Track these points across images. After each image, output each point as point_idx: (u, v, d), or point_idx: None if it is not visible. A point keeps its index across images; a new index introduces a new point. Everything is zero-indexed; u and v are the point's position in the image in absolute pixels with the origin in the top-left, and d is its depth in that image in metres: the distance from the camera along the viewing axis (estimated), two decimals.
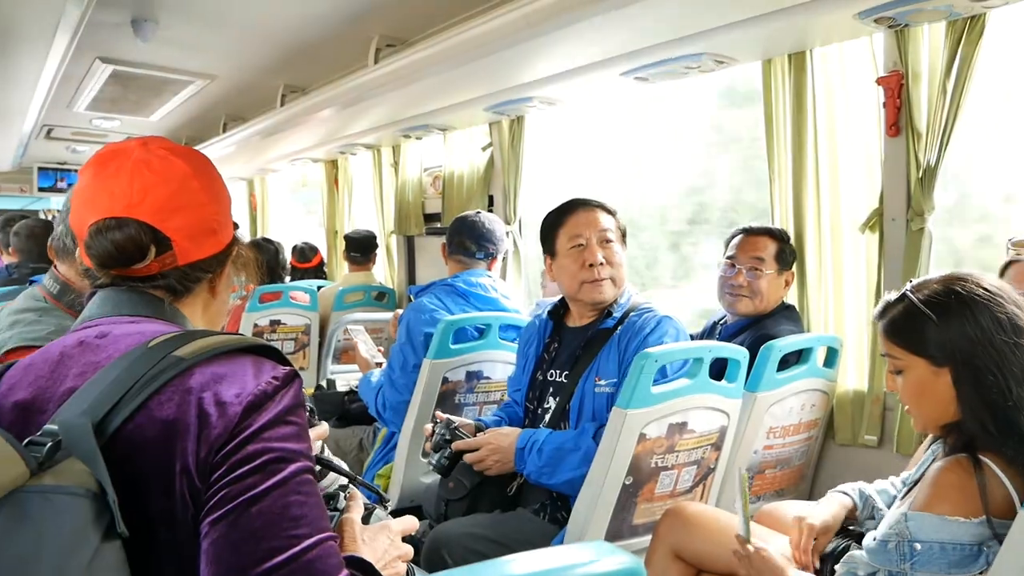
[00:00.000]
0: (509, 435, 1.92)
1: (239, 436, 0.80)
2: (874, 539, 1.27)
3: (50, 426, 0.76)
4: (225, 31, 3.27)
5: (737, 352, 1.89)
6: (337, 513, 1.05)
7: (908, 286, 1.34)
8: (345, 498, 1.08)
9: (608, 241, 1.99)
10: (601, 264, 1.95)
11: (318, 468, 1.03)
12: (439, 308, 2.48)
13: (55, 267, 1.67)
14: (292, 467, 0.82)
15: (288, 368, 0.88)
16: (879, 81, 2.08)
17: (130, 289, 0.95)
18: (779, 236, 2.29)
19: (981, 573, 1.17)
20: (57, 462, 0.73)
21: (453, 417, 2.04)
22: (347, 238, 4.35)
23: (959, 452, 1.24)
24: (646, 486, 1.81)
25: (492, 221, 2.68)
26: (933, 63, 1.97)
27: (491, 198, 3.71)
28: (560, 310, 2.12)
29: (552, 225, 2.06)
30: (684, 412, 1.80)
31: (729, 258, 2.31)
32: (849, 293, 2.26)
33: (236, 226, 1.05)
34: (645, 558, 1.72)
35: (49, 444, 0.73)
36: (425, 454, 2.03)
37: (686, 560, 1.65)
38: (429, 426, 2.04)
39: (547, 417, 2.00)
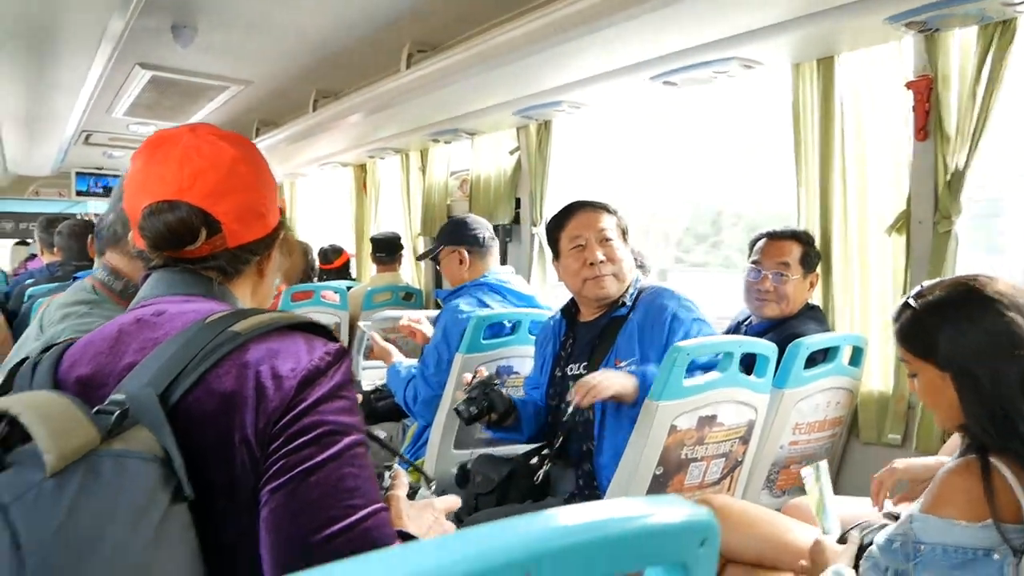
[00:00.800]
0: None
1: (295, 409, 0.82)
2: (884, 537, 1.27)
3: (117, 396, 0.79)
4: (262, 37, 3.33)
5: (766, 348, 1.90)
6: (382, 492, 1.06)
7: (912, 292, 1.34)
8: (390, 477, 1.10)
9: (607, 240, 2.03)
10: (602, 262, 2.00)
11: None
12: (476, 308, 2.51)
13: (104, 257, 1.70)
14: (346, 440, 0.84)
15: (338, 345, 0.89)
16: (908, 85, 2.08)
17: (183, 270, 0.97)
18: (804, 239, 2.28)
19: None
20: (124, 429, 0.75)
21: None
22: (373, 240, 4.40)
23: (971, 453, 1.23)
24: (675, 477, 1.82)
25: (476, 217, 2.81)
26: (963, 67, 1.97)
27: (518, 201, 3.75)
28: (572, 308, 2.15)
29: (554, 228, 2.12)
30: (714, 405, 1.81)
31: (754, 263, 2.29)
32: (875, 294, 2.26)
33: (282, 212, 1.06)
34: None
35: (117, 412, 0.75)
36: (457, 404, 2.05)
37: (719, 553, 1.66)
38: (469, 375, 2.05)
39: (569, 409, 2.01)
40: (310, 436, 0.82)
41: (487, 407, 1.98)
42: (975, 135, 1.95)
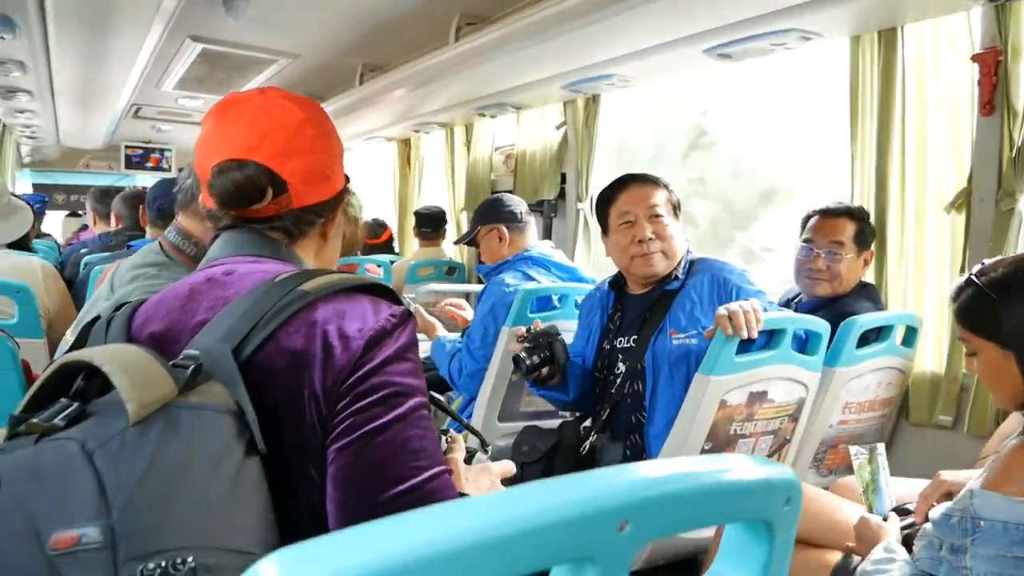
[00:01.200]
0: None
1: (362, 368, 0.83)
2: (940, 512, 1.26)
3: (191, 351, 0.81)
4: (311, 9, 3.33)
5: (820, 325, 1.87)
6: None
7: (975, 269, 1.31)
8: (447, 440, 1.11)
9: (657, 216, 1.99)
10: (651, 239, 1.96)
11: None
12: (522, 281, 2.51)
13: (177, 219, 1.73)
14: (411, 401, 0.85)
15: (403, 307, 0.90)
16: (974, 58, 2.02)
17: (250, 231, 0.98)
18: (858, 216, 2.22)
19: None
20: (199, 383, 0.77)
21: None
22: (417, 214, 4.42)
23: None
24: (725, 452, 1.81)
25: (508, 194, 2.80)
26: None
27: (563, 176, 3.72)
28: (620, 280, 2.14)
29: (604, 203, 2.09)
30: (765, 381, 1.80)
31: (806, 241, 2.24)
32: (931, 273, 2.21)
33: (347, 178, 1.07)
34: (714, 527, 1.73)
35: (192, 367, 0.77)
36: (516, 352, 2.00)
37: None
38: (523, 328, 2.04)
39: (618, 381, 2.01)
40: (377, 396, 0.83)
41: (548, 356, 1.96)
42: None
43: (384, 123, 4.85)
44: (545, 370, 1.97)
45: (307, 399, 0.82)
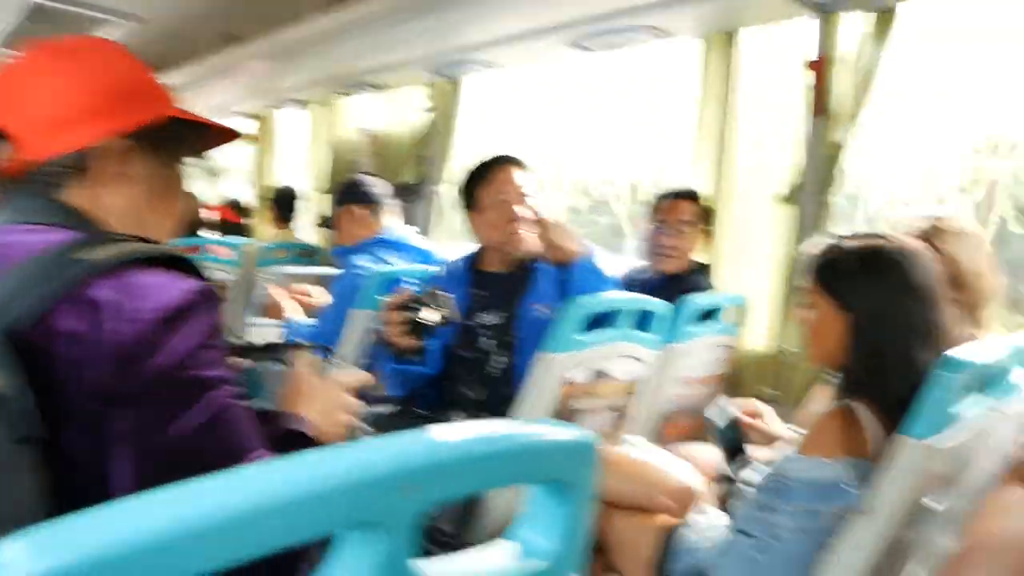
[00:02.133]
0: None
1: (153, 357, 0.74)
2: (757, 475, 1.37)
3: None
4: None
5: (659, 305, 1.95)
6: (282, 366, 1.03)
7: (842, 234, 1.40)
8: (288, 359, 1.07)
9: (528, 196, 2.06)
10: (524, 218, 2.03)
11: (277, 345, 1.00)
12: (375, 264, 2.48)
13: None
14: (217, 398, 0.78)
15: (205, 284, 0.81)
16: (809, 65, 2.17)
17: (27, 194, 0.86)
18: (698, 198, 2.42)
19: (848, 507, 1.23)
20: None
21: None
22: (275, 196, 4.25)
23: (841, 399, 1.32)
24: None
25: (367, 176, 2.77)
26: (862, 50, 2.06)
27: (425, 159, 3.68)
28: (475, 260, 2.15)
29: (477, 180, 2.10)
30: (606, 359, 1.85)
31: (660, 221, 2.40)
32: (760, 259, 2.37)
33: (143, 126, 0.90)
34: None
35: None
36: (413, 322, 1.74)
37: (600, 499, 1.71)
38: (407, 291, 1.79)
39: (490, 358, 2.04)
40: (173, 393, 0.75)
41: (445, 318, 1.80)
42: (855, 113, 2.06)
43: (239, 97, 4.62)
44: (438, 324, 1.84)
45: (86, 390, 0.73)
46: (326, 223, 2.77)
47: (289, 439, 0.93)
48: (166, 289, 0.77)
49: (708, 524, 1.49)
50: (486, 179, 2.08)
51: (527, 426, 0.54)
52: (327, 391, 1.02)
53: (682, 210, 2.38)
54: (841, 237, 1.39)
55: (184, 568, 0.38)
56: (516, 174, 2.07)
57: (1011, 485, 1.36)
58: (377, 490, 0.44)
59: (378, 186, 2.70)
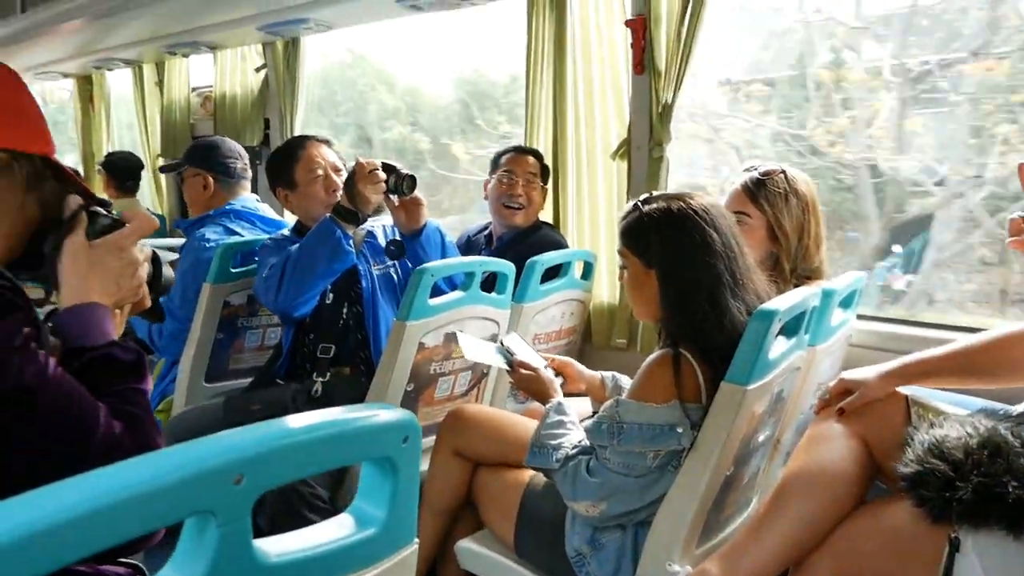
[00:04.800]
0: None
1: None
2: (593, 420, 1.50)
3: None
4: None
5: (505, 266, 2.07)
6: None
7: (642, 197, 1.54)
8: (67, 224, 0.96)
9: (339, 170, 2.25)
10: (336, 190, 2.20)
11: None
12: (224, 236, 2.42)
13: None
14: (36, 398, 0.78)
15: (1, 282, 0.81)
16: (627, 23, 2.31)
17: None
18: (539, 155, 2.54)
19: (676, 447, 1.40)
20: None
21: None
22: (110, 163, 4.01)
23: (666, 347, 1.47)
24: (426, 391, 1.96)
25: (234, 143, 2.68)
26: (671, 10, 2.21)
27: (267, 121, 3.60)
28: (303, 230, 2.24)
29: (287, 159, 2.25)
30: (459, 322, 1.96)
31: (507, 171, 2.48)
32: (603, 213, 2.52)
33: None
34: (430, 457, 1.88)
35: None
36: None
37: (466, 456, 1.81)
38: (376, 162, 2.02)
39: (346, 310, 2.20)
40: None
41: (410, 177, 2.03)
42: (680, 72, 2.22)
43: (58, 57, 4.29)
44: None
45: None
46: (171, 170, 2.68)
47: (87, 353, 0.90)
48: None
49: (557, 425, 1.59)
50: (296, 157, 2.23)
51: (351, 411, 0.63)
52: (110, 257, 0.95)
53: (527, 163, 2.49)
54: (644, 199, 1.53)
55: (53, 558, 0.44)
56: (323, 150, 2.26)
57: (826, 418, 1.56)
58: (210, 481, 0.52)
59: (237, 157, 2.61)
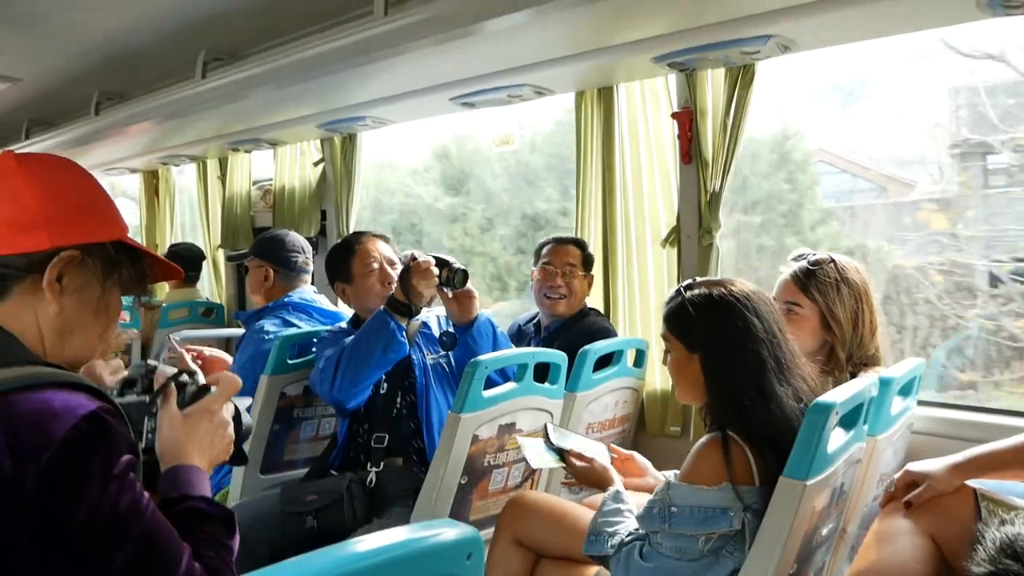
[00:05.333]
0: None
1: (50, 503, 0.77)
2: (644, 507, 1.50)
3: None
4: (35, 34, 3.09)
5: (557, 356, 2.09)
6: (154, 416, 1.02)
7: (685, 283, 1.58)
8: (158, 397, 1.03)
9: (393, 263, 2.34)
10: (392, 283, 2.27)
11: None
12: (282, 328, 2.51)
13: None
14: (126, 544, 0.80)
15: (103, 404, 0.84)
16: (673, 115, 2.38)
17: None
18: (582, 244, 2.59)
19: (728, 530, 1.39)
20: None
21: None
22: (174, 254, 4.19)
23: (714, 430, 1.48)
24: (480, 484, 1.96)
25: (298, 237, 2.80)
26: (716, 102, 2.28)
27: (324, 213, 3.74)
28: (360, 322, 2.29)
29: (344, 253, 2.35)
30: (512, 413, 1.97)
31: (545, 264, 2.55)
32: (653, 300, 2.54)
33: (106, 245, 0.98)
34: (488, 548, 1.86)
35: None
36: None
37: (527, 546, 1.81)
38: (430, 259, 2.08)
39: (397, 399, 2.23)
40: (77, 547, 0.78)
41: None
42: (727, 162, 2.27)
43: (127, 154, 4.55)
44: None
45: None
46: (238, 259, 2.80)
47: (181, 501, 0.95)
48: (58, 418, 0.80)
49: (614, 513, 1.59)
50: (353, 252, 2.34)
51: (416, 531, 0.65)
52: (202, 423, 1.01)
53: (567, 253, 2.55)
54: (686, 285, 1.56)
55: None
56: (379, 244, 2.36)
57: (892, 512, 1.53)
58: None
59: (300, 251, 2.73)
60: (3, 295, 0.92)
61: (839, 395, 1.41)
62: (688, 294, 1.54)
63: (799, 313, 1.81)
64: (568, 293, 2.52)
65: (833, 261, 1.84)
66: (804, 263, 1.85)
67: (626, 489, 1.71)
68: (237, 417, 1.09)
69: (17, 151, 0.99)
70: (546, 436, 1.79)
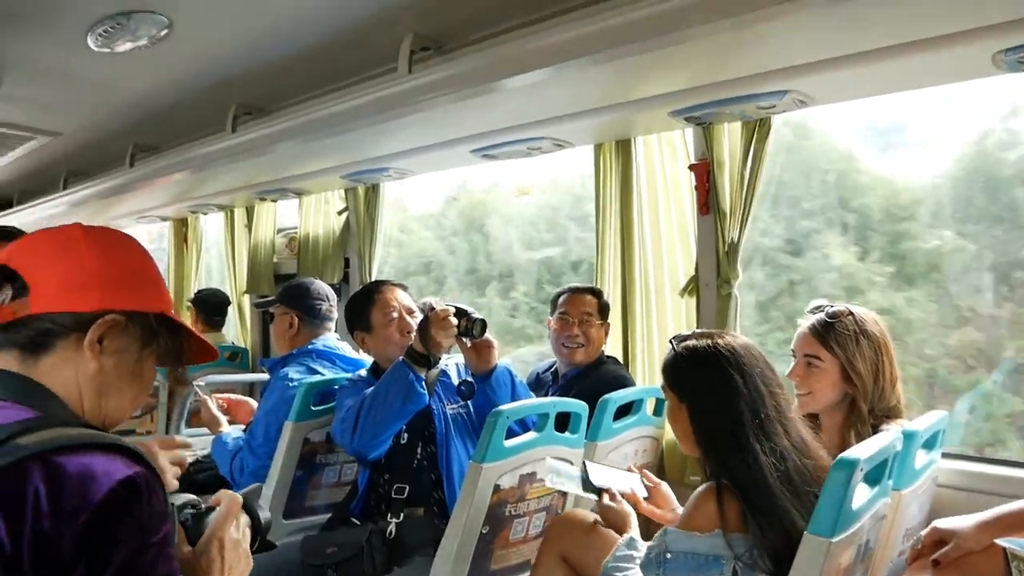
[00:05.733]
0: None
1: (84, 561, 0.78)
2: (644, 553, 1.53)
3: None
4: (74, 89, 3.19)
5: (578, 406, 2.08)
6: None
7: (679, 335, 1.61)
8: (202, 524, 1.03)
9: (412, 312, 2.34)
10: (411, 331, 2.27)
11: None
12: (306, 375, 2.52)
13: None
14: None
15: (140, 470, 0.84)
16: (691, 167, 2.40)
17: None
18: (598, 292, 2.59)
19: None
20: None
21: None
22: (199, 300, 4.25)
23: (710, 478, 1.50)
24: (501, 533, 1.94)
25: (323, 285, 2.83)
26: (733, 154, 2.30)
27: (347, 260, 3.79)
28: (379, 370, 2.31)
29: (364, 302, 2.36)
30: (533, 463, 1.96)
31: (562, 314, 2.55)
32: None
33: (161, 316, 1.02)
34: (533, 564, 1.89)
35: None
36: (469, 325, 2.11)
37: (571, 564, 1.81)
38: (448, 309, 2.10)
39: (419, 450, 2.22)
40: None
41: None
42: (744, 212, 2.28)
43: (159, 203, 4.65)
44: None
45: None
46: (264, 306, 2.84)
47: None
48: (97, 480, 0.80)
49: (626, 560, 1.62)
50: (372, 301, 2.34)
51: None
52: (215, 555, 1.02)
53: (584, 302, 2.54)
54: (680, 337, 1.60)
55: None
56: (399, 293, 2.37)
57: (920, 570, 1.50)
58: None
59: (324, 299, 2.75)
60: (46, 350, 0.94)
61: (863, 450, 1.39)
62: (679, 346, 1.59)
63: (819, 366, 1.80)
64: (586, 342, 2.51)
65: (851, 313, 1.83)
66: (822, 315, 1.84)
67: (653, 518, 1.82)
68: (254, 516, 1.09)
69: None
70: (584, 475, 1.84)
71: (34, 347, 0.94)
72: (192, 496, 1.07)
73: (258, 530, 1.09)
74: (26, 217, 5.12)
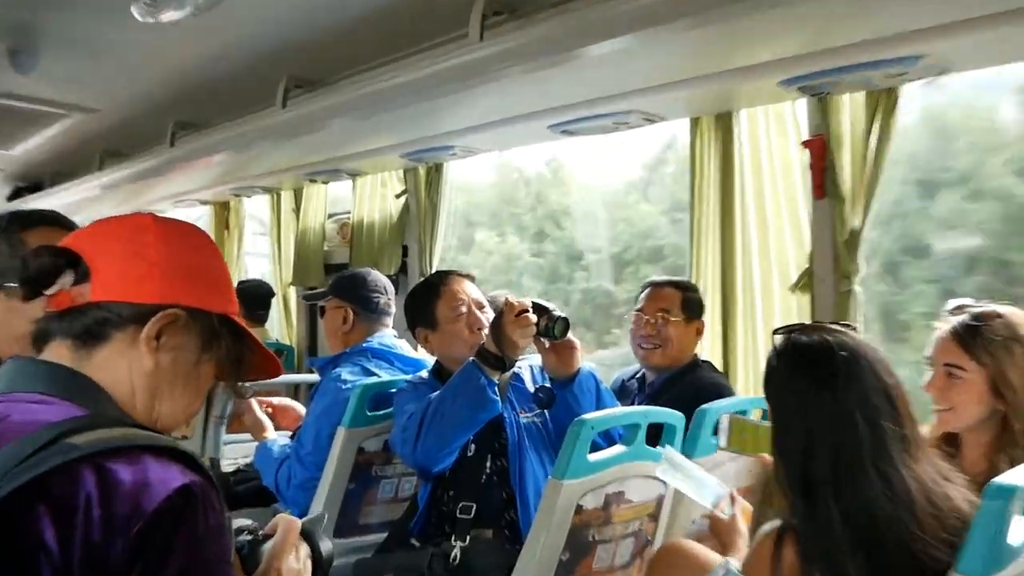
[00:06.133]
0: None
1: (134, 571, 0.80)
2: None
3: None
4: (113, 64, 3.29)
5: (673, 416, 2.03)
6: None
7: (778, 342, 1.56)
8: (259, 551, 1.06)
9: (483, 307, 2.31)
10: (483, 328, 2.24)
11: None
12: (361, 377, 2.53)
13: None
14: None
15: (197, 478, 0.86)
16: (804, 144, 2.33)
17: (36, 362, 0.96)
18: (684, 286, 2.53)
19: None
20: None
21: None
22: (242, 291, 4.33)
23: (781, 519, 1.44)
24: (583, 561, 1.91)
25: (380, 276, 2.84)
26: (855, 130, 2.22)
27: (405, 248, 3.81)
28: (443, 372, 2.31)
29: (427, 296, 2.34)
30: (621, 481, 1.93)
31: (638, 311, 2.52)
32: None
33: (223, 317, 1.03)
34: None
35: None
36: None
37: None
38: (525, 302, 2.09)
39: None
40: None
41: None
42: (868, 196, 2.20)
43: (199, 186, 4.77)
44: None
45: None
46: (314, 299, 2.88)
47: None
48: (152, 486, 0.82)
49: None
50: (438, 295, 2.31)
51: None
52: None
53: (662, 298, 2.49)
54: (784, 328, 1.56)
55: None
56: (468, 285, 2.33)
57: None
58: None
59: (382, 291, 2.75)
60: (102, 340, 0.97)
61: (1020, 477, 1.32)
62: (780, 343, 1.56)
63: (962, 377, 1.71)
64: (662, 342, 2.46)
65: (1001, 315, 1.74)
66: (966, 317, 1.76)
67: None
68: (315, 547, 1.10)
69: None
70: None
71: (89, 337, 0.96)
72: (248, 521, 1.09)
73: (318, 562, 1.10)
74: (55, 201, 5.29)
